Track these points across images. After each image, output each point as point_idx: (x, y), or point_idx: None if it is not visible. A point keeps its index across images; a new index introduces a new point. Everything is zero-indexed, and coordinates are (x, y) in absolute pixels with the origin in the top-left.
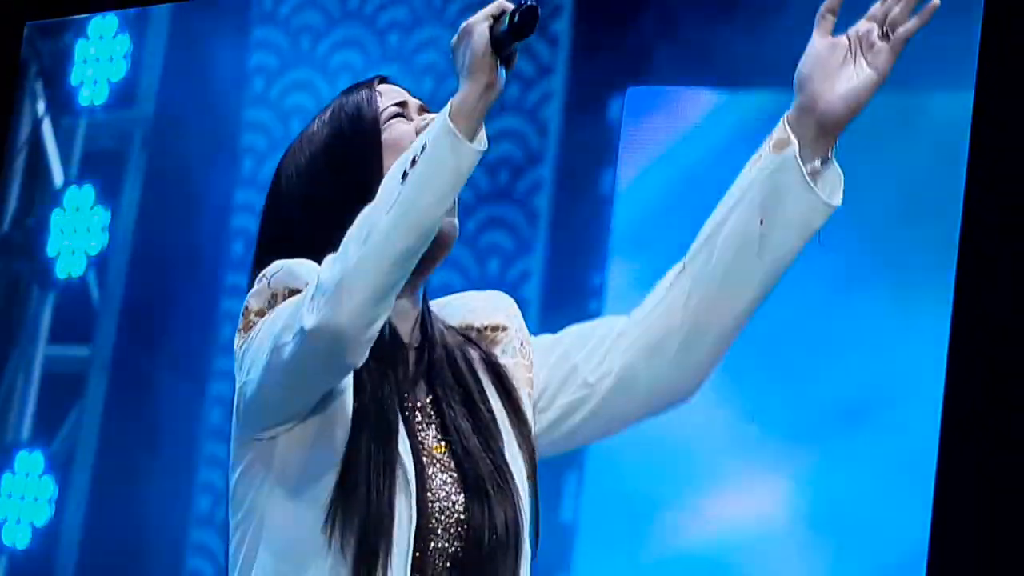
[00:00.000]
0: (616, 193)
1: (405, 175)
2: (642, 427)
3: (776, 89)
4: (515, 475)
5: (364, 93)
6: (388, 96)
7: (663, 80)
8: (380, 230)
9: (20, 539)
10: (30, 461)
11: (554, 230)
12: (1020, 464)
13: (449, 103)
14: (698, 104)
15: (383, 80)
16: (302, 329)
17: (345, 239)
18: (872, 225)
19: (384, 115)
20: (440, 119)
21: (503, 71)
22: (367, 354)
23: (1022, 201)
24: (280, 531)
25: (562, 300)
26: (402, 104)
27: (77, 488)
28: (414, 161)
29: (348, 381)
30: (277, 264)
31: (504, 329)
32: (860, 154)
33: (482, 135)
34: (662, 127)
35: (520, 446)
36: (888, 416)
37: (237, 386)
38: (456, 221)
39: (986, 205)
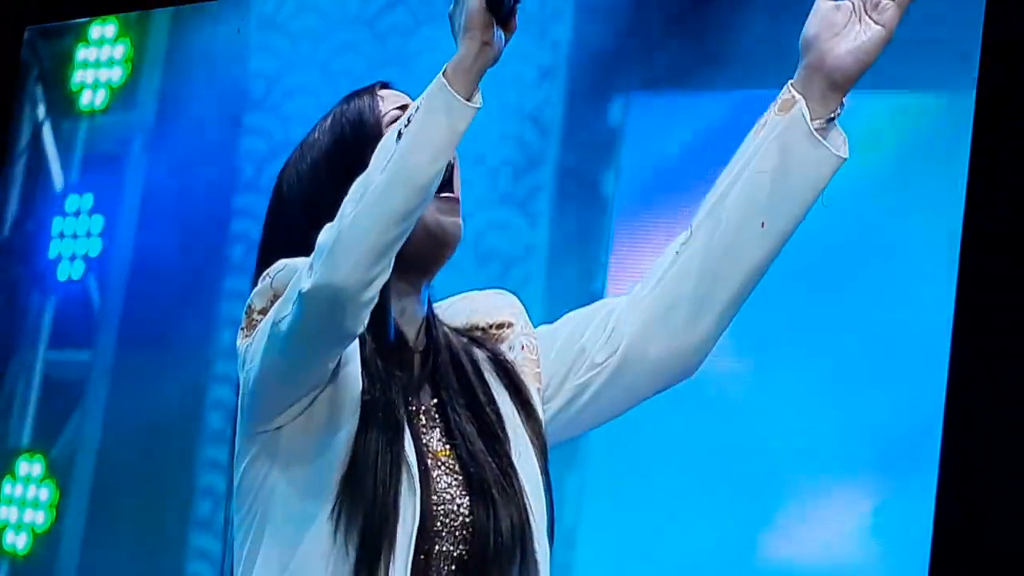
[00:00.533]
0: (618, 196)
1: (400, 135)
2: (643, 430)
3: (778, 91)
4: (522, 479)
5: (365, 99)
6: (389, 101)
7: (665, 83)
8: (375, 189)
9: (21, 543)
10: (31, 466)
11: (555, 233)
12: None
13: (445, 65)
14: (700, 107)
15: (384, 85)
16: (300, 293)
17: (343, 204)
18: (872, 226)
19: (386, 119)
20: (436, 79)
21: (501, 33)
22: (367, 320)
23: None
24: (285, 524)
25: (563, 303)
26: (403, 108)
27: (78, 493)
28: (409, 121)
29: (356, 373)
30: (281, 263)
31: (510, 326)
32: (861, 154)
33: (478, 95)
34: (664, 131)
35: (531, 443)
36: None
37: (240, 381)
38: (460, 221)
39: (988, 206)
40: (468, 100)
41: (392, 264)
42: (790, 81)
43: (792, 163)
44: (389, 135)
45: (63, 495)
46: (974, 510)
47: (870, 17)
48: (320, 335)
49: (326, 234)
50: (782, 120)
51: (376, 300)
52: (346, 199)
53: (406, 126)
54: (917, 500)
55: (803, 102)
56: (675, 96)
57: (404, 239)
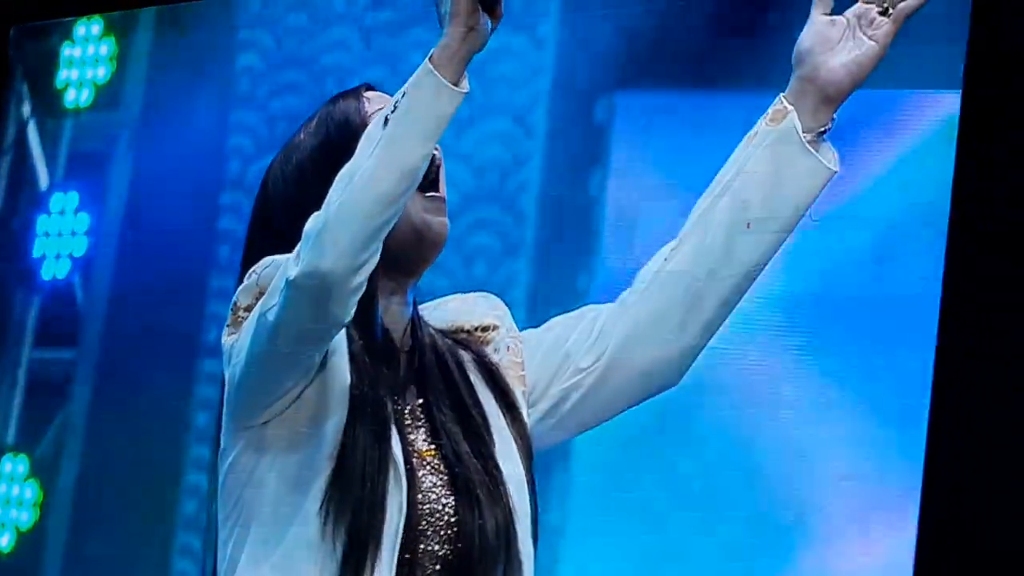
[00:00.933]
0: (605, 196)
1: (386, 121)
2: (630, 430)
3: (766, 92)
4: (507, 479)
5: (351, 101)
6: (375, 103)
7: (652, 83)
8: (361, 174)
9: (4, 543)
10: (15, 465)
11: (541, 233)
12: None
13: (431, 51)
14: (690, 106)
15: (370, 87)
16: (287, 281)
17: (329, 192)
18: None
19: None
20: (422, 64)
21: (487, 19)
22: (353, 310)
23: (1011, 202)
24: (271, 520)
25: (549, 302)
26: None
27: (62, 492)
28: (396, 107)
29: (343, 367)
30: (267, 259)
31: (495, 328)
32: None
33: (465, 80)
34: (653, 130)
35: (516, 444)
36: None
37: (226, 379)
38: (447, 220)
39: (975, 204)
40: (455, 85)
41: (379, 252)
42: (782, 93)
43: (784, 174)
44: (375, 123)
45: (47, 494)
46: (960, 513)
47: (864, 33)
48: (307, 324)
49: (313, 221)
50: (773, 131)
51: (364, 288)
52: (332, 187)
53: (392, 112)
54: (903, 502)
55: (795, 113)
56: (664, 95)
57: (391, 226)
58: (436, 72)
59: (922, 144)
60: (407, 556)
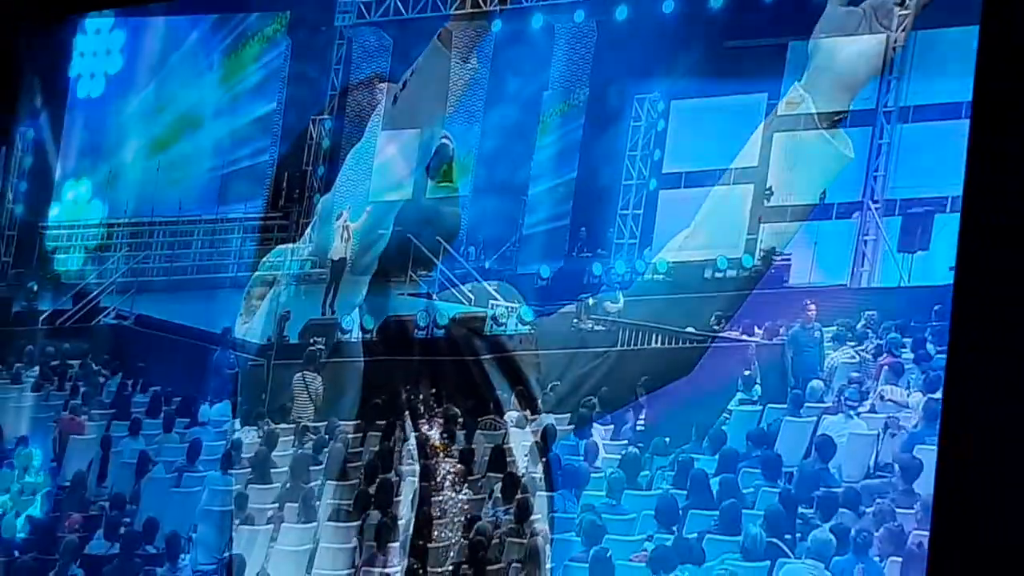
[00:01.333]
0: (620, 183)
1: (396, 100)
2: (647, 419)
3: (783, 80)
4: (522, 468)
5: (364, 91)
6: (389, 93)
7: (667, 71)
8: (370, 153)
9: (17, 530)
10: (27, 455)
11: (555, 221)
12: None
13: (439, 31)
14: (703, 94)
15: (382, 79)
16: (297, 265)
17: (339, 173)
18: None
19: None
20: (431, 43)
21: (496, 1)
22: (363, 293)
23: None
24: (284, 512)
25: (564, 291)
26: None
27: (73, 484)
28: (404, 86)
29: (357, 357)
30: (279, 248)
31: (508, 316)
32: None
33: (473, 58)
34: (667, 117)
35: (532, 432)
36: None
37: (239, 368)
38: (459, 211)
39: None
40: (464, 62)
41: (389, 234)
42: (797, 82)
43: (800, 161)
44: (385, 100)
45: (58, 486)
46: (973, 508)
47: (880, 23)
48: (317, 309)
49: (322, 204)
50: (789, 118)
51: (373, 270)
52: (341, 169)
53: (401, 90)
54: (927, 499)
55: (811, 101)
56: (679, 82)
57: (399, 206)
58: (444, 49)
59: (937, 131)
60: (420, 543)
